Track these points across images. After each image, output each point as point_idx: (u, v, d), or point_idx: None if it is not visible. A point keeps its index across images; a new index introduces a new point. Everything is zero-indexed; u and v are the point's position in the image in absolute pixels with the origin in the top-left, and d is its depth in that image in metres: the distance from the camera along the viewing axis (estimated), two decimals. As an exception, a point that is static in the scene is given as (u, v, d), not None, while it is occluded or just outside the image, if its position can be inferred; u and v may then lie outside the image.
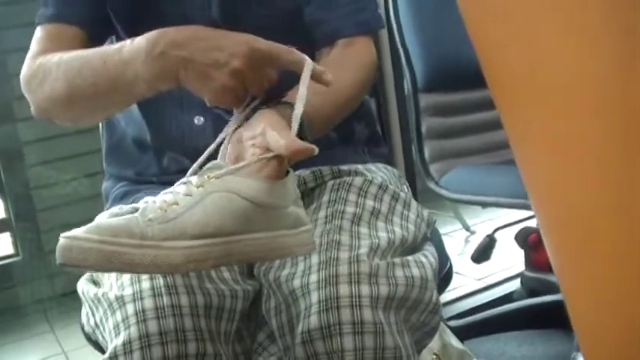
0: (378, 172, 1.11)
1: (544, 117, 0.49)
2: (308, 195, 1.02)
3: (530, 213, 1.92)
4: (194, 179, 0.79)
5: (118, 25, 1.09)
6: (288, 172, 0.83)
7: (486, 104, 1.79)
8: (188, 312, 0.86)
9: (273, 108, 0.87)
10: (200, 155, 0.87)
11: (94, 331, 0.94)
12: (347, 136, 1.17)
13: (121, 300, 0.86)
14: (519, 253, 2.09)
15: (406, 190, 1.14)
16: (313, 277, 0.87)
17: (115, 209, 0.83)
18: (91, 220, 0.77)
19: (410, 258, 0.92)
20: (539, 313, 1.79)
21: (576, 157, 0.48)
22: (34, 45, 1.03)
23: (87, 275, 1.04)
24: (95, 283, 0.99)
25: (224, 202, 0.77)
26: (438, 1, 1.73)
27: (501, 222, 2.27)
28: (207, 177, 0.78)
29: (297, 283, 0.88)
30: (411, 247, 0.99)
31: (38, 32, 1.05)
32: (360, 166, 1.10)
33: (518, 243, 2.07)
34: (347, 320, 0.83)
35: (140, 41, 0.88)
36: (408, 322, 0.90)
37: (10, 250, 2.70)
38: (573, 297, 0.53)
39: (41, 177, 2.66)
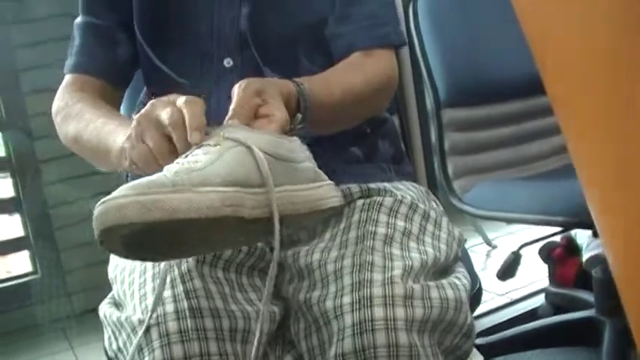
0: (407, 190, 1.09)
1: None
2: (337, 214, 1.01)
3: (554, 229, 1.90)
4: (210, 140, 0.79)
5: (150, 49, 1.10)
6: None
7: (509, 118, 1.77)
8: (213, 335, 0.84)
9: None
10: None
11: (116, 355, 0.93)
12: (371, 154, 1.16)
13: (144, 323, 0.85)
14: (543, 268, 2.06)
15: (435, 206, 1.13)
16: (346, 299, 0.85)
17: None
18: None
19: (444, 281, 0.90)
20: (565, 331, 1.75)
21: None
22: (62, 87, 1.11)
23: (109, 299, 1.03)
24: (118, 306, 0.98)
25: (245, 156, 0.78)
26: (460, 16, 1.72)
27: (523, 236, 2.24)
28: (222, 135, 0.80)
29: (329, 304, 0.87)
30: (444, 267, 0.97)
31: (65, 79, 1.12)
32: (387, 184, 1.08)
33: (542, 258, 2.04)
34: (382, 343, 0.82)
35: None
36: (441, 344, 0.89)
37: (29, 268, 2.69)
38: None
39: (59, 195, 2.65)
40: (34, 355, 2.45)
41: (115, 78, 1.13)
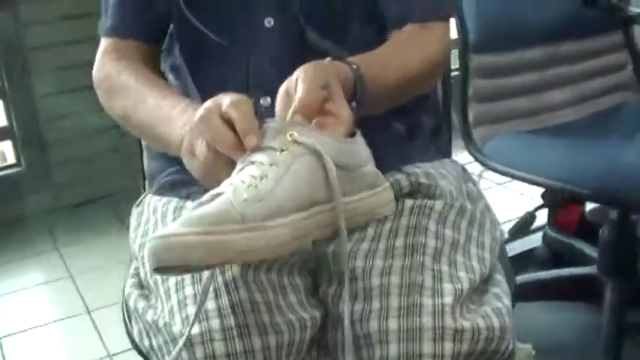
0: (450, 177, 1.04)
1: None
2: None
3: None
4: (275, 142, 0.74)
5: (185, 5, 1.02)
6: (354, 132, 0.82)
7: (534, 64, 1.70)
8: (261, 357, 0.81)
9: (322, 61, 0.86)
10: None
11: (148, 352, 0.90)
12: (414, 130, 1.10)
13: (188, 340, 0.80)
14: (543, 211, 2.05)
15: (473, 187, 1.09)
16: (392, 324, 0.82)
17: (195, 203, 0.76)
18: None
19: (488, 309, 0.87)
20: (565, 285, 1.76)
21: None
22: (101, 50, 1.07)
23: (132, 278, 0.99)
24: (146, 296, 0.93)
25: (313, 168, 0.74)
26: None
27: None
28: (289, 136, 0.74)
29: (373, 325, 0.83)
30: (487, 277, 0.94)
31: (102, 42, 1.08)
32: (431, 170, 1.03)
33: (545, 200, 2.02)
34: None
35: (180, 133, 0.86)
36: None
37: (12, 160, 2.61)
38: None
39: (47, 86, 2.54)
40: (17, 254, 2.42)
41: (152, 38, 1.07)
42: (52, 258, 2.37)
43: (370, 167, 0.82)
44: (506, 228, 2.27)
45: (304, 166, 0.73)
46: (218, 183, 0.74)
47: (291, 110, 0.79)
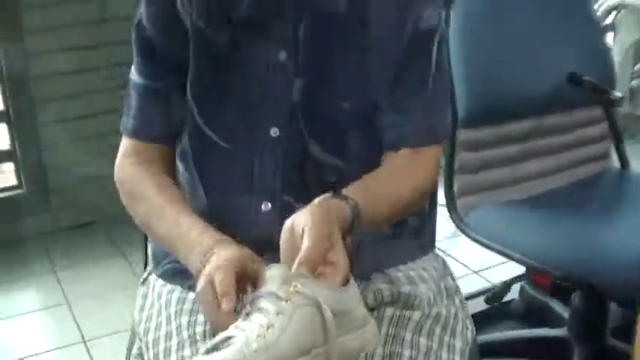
0: (430, 278, 1.14)
1: None
2: None
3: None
4: (280, 291, 0.83)
5: (198, 112, 1.10)
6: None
7: (520, 136, 1.79)
8: None
9: (325, 200, 0.94)
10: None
11: None
12: (400, 229, 1.18)
13: None
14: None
15: (451, 282, 1.19)
16: None
17: (208, 345, 0.84)
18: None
19: None
20: (536, 344, 1.87)
21: None
22: (122, 150, 1.15)
23: (136, 351, 1.09)
24: None
25: (313, 316, 0.83)
26: (486, 38, 1.70)
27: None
28: (293, 287, 0.83)
29: None
30: None
31: (123, 141, 1.16)
32: (412, 274, 1.13)
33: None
34: None
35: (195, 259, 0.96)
36: None
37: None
38: None
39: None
40: (14, 276, 2.50)
41: (170, 140, 1.15)
42: (49, 282, 2.46)
43: (360, 310, 0.90)
44: (490, 274, 2.39)
45: (305, 316, 0.82)
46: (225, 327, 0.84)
47: (297, 261, 0.87)
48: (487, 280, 2.36)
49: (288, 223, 0.92)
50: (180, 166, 1.17)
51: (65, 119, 2.61)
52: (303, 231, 0.89)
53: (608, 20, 3.48)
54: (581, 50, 1.83)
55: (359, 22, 1.06)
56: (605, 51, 1.90)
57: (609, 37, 3.55)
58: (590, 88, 1.77)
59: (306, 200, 1.02)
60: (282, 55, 1.06)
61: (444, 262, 1.24)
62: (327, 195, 0.96)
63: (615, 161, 1.92)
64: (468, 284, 2.35)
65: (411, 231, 1.20)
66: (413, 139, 1.10)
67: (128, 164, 1.13)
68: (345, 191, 0.99)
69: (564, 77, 1.78)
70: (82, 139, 2.64)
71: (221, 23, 1.06)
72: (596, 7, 3.49)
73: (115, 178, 1.14)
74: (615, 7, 3.39)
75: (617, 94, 1.75)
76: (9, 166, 2.74)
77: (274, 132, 1.08)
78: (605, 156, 1.94)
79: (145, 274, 1.23)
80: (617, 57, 3.42)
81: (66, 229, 2.68)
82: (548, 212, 1.69)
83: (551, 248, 1.55)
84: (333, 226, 0.90)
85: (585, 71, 1.78)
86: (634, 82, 3.39)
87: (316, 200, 0.94)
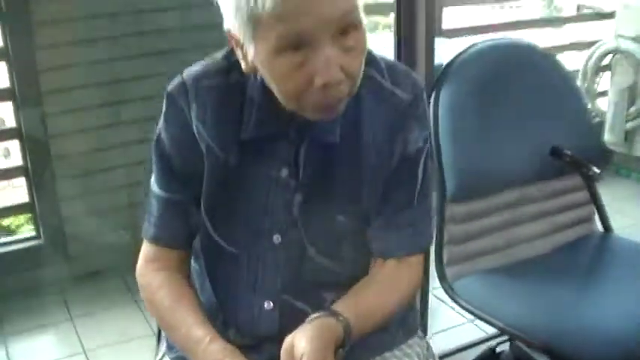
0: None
1: None
2: None
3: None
4: None
5: (208, 221, 1.23)
6: None
7: (506, 206, 1.91)
8: None
9: (319, 319, 1.07)
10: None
11: None
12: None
13: None
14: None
15: None
16: None
17: None
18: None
19: None
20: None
21: None
22: (143, 255, 1.27)
23: None
24: None
25: None
26: (476, 120, 1.82)
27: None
28: None
29: None
30: None
31: (145, 245, 1.27)
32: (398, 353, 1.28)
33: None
34: None
35: None
36: None
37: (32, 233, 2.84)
38: None
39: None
40: (33, 324, 2.62)
41: (187, 245, 1.26)
42: (67, 330, 2.59)
43: None
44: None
45: None
46: None
47: None
48: (482, 330, 2.47)
49: (287, 342, 1.05)
50: (192, 260, 1.30)
51: (81, 174, 2.75)
52: (302, 356, 1.01)
53: (605, 62, 3.60)
54: (565, 124, 1.94)
55: (352, 150, 1.17)
56: (589, 126, 2.00)
57: (606, 79, 3.67)
58: (572, 162, 1.89)
59: (304, 298, 1.19)
60: (284, 173, 1.18)
61: (428, 346, 1.36)
62: (322, 313, 1.09)
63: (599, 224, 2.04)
64: (464, 333, 2.48)
65: (397, 321, 1.31)
66: (399, 252, 1.22)
67: (149, 270, 1.24)
68: (336, 306, 1.12)
69: (548, 150, 1.90)
70: (97, 192, 2.78)
71: (231, 145, 1.17)
72: (593, 49, 3.62)
73: (137, 279, 1.26)
74: (611, 51, 3.50)
75: (596, 170, 1.87)
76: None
77: (276, 239, 1.21)
78: (589, 219, 2.05)
79: (160, 355, 1.36)
80: (612, 98, 3.54)
81: (82, 276, 2.82)
82: (531, 280, 1.81)
83: (532, 319, 1.65)
84: (328, 351, 1.03)
85: (569, 143, 1.90)
86: (629, 125, 3.49)
87: (313, 321, 1.07)
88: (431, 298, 2.08)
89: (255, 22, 0.99)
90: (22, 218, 3.22)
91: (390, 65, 1.20)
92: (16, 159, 2.82)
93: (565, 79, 2.00)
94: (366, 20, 1.06)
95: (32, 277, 2.76)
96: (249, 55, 1.05)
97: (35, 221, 2.82)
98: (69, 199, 2.77)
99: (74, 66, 2.64)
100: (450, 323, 2.57)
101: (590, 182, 1.96)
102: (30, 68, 2.59)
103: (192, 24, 2.66)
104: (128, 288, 2.73)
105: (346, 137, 1.17)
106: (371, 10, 3.33)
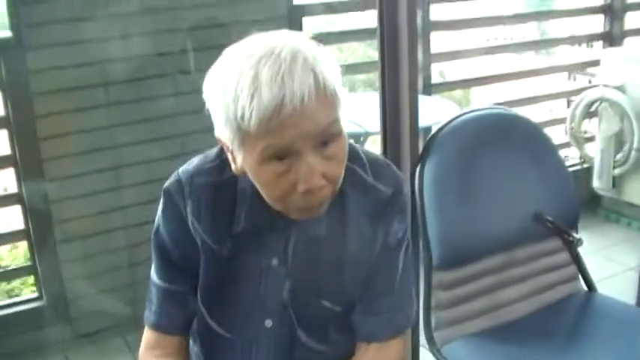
0: None
1: None
2: None
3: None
4: None
5: (204, 308, 1.31)
6: None
7: (491, 270, 1.98)
8: None
9: None
10: None
11: None
12: None
13: None
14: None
15: None
16: None
17: None
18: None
19: None
20: None
21: None
22: (145, 341, 1.34)
23: None
24: None
25: None
26: (460, 191, 1.89)
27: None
28: None
29: None
30: None
31: (146, 331, 1.34)
32: None
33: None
34: None
35: None
36: None
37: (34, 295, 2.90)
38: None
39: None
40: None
41: (186, 330, 1.34)
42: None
43: None
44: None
45: None
46: None
47: None
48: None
49: None
50: (191, 342, 1.38)
51: (82, 237, 2.82)
52: None
53: (592, 109, 3.69)
54: (547, 190, 2.02)
55: (338, 241, 1.26)
56: (571, 192, 2.07)
57: (593, 125, 3.76)
58: (553, 227, 1.97)
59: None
60: (274, 262, 1.26)
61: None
62: None
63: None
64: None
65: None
66: (381, 336, 1.31)
67: (149, 357, 1.32)
68: None
69: (531, 215, 1.98)
70: (98, 254, 2.85)
71: (224, 238, 1.25)
72: (580, 97, 3.71)
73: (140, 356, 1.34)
74: (597, 100, 3.59)
75: (577, 236, 1.94)
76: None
77: (268, 323, 1.29)
78: (574, 278, 2.12)
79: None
80: (600, 145, 3.62)
81: (84, 337, 2.87)
82: (516, 343, 1.87)
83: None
84: None
85: (551, 209, 1.98)
86: (617, 171, 3.57)
87: None
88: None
89: (242, 134, 1.07)
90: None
91: (371, 160, 1.29)
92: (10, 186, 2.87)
93: (547, 147, 2.08)
94: (346, 128, 1.15)
95: (34, 338, 2.82)
96: (238, 160, 1.13)
97: (37, 283, 2.89)
98: (70, 261, 2.83)
99: (73, 133, 2.72)
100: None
101: (570, 246, 2.02)
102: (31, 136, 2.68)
103: (187, 89, 2.75)
104: (129, 348, 2.79)
105: (332, 229, 1.25)
106: (350, 70, 3.43)
